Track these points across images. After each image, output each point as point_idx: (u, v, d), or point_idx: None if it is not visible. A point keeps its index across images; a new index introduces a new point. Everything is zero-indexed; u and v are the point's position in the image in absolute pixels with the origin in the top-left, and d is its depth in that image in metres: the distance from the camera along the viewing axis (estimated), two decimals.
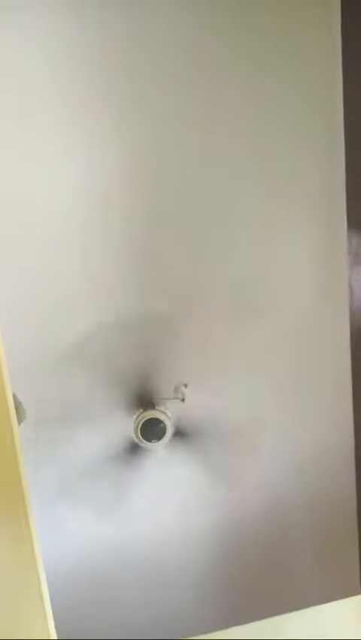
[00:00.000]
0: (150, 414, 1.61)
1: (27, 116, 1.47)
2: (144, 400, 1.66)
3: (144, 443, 1.62)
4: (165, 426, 1.61)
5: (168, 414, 1.65)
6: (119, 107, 1.51)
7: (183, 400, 1.68)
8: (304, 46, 1.58)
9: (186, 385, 1.68)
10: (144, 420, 1.60)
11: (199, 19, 1.51)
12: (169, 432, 1.63)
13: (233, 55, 1.55)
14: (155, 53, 1.50)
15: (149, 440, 1.61)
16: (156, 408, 1.64)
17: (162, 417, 1.61)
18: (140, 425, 1.60)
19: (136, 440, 1.63)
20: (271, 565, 1.91)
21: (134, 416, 1.64)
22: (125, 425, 1.66)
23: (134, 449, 1.68)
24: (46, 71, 1.45)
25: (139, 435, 1.60)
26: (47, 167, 1.50)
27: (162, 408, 1.65)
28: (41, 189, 1.52)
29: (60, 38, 1.44)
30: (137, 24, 1.48)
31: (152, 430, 1.61)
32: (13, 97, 1.45)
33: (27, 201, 1.51)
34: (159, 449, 1.69)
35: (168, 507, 1.78)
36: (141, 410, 1.64)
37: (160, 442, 1.62)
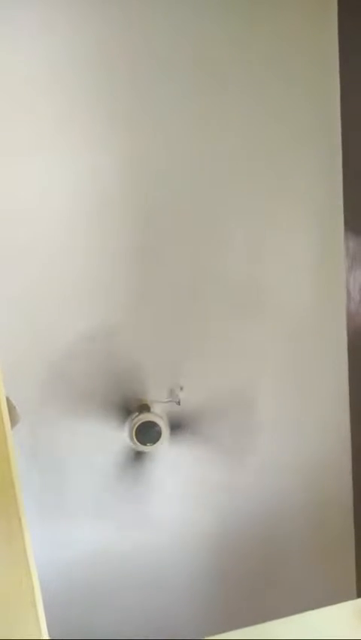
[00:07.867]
0: (145, 417, 1.60)
1: (25, 116, 1.47)
2: (139, 402, 1.66)
3: (139, 447, 1.61)
4: (160, 429, 1.60)
5: (164, 417, 1.64)
6: (118, 107, 1.51)
7: (178, 402, 1.67)
8: (303, 53, 1.60)
9: (181, 388, 1.68)
10: (139, 423, 1.59)
11: (200, 20, 1.51)
12: (165, 435, 1.62)
13: (234, 57, 1.56)
14: (155, 53, 1.51)
15: (144, 443, 1.60)
16: (152, 411, 1.64)
17: (157, 420, 1.60)
18: (135, 428, 1.59)
19: (131, 443, 1.63)
20: (266, 569, 1.91)
21: (130, 419, 1.63)
22: (121, 428, 1.66)
23: (129, 453, 1.68)
24: (45, 71, 1.45)
25: (134, 438, 1.60)
26: (43, 168, 1.50)
27: (157, 411, 1.65)
28: (38, 190, 1.52)
29: (60, 37, 1.44)
30: (138, 24, 1.48)
31: (147, 433, 1.60)
32: (11, 96, 1.45)
33: (23, 201, 1.51)
34: (154, 452, 1.69)
35: (164, 511, 1.77)
36: (136, 413, 1.63)
37: (155, 445, 1.62)
